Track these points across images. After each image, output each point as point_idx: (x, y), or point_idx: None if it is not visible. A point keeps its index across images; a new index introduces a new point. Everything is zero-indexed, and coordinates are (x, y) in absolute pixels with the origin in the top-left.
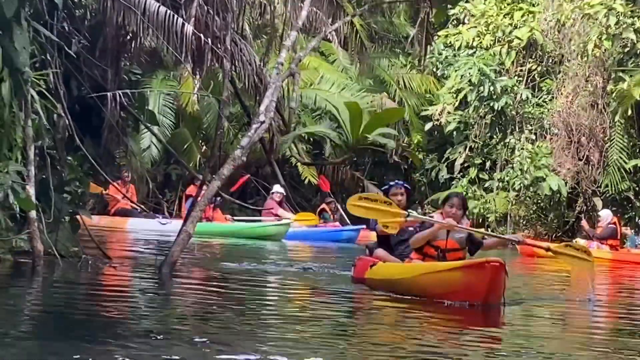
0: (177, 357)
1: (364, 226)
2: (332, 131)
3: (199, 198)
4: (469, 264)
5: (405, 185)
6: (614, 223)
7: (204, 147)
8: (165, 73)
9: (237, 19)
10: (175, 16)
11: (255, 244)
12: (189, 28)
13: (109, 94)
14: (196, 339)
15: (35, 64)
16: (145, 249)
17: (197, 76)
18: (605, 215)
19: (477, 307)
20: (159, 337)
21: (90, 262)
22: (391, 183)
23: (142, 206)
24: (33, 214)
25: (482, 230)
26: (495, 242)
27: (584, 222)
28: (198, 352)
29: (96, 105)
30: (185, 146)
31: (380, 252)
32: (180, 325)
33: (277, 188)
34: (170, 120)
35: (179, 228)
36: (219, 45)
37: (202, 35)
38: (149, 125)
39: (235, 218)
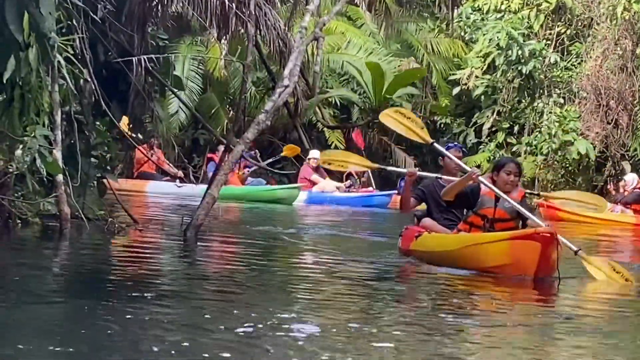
0: (202, 318)
1: (396, 191)
2: (354, 94)
3: (223, 162)
4: (518, 235)
5: (463, 148)
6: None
7: (231, 112)
8: (192, 38)
9: None
10: None
11: (276, 208)
12: None
13: (134, 59)
14: (220, 300)
15: (62, 29)
16: (170, 212)
17: (223, 41)
18: (631, 180)
19: (528, 281)
20: (183, 298)
21: (117, 225)
22: (450, 145)
23: (171, 171)
24: (60, 177)
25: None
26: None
27: (610, 187)
28: (223, 312)
29: (122, 71)
30: (212, 111)
31: (427, 221)
32: (205, 287)
33: (313, 153)
34: (198, 85)
35: (194, 191)
36: (243, 10)
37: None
38: (175, 90)
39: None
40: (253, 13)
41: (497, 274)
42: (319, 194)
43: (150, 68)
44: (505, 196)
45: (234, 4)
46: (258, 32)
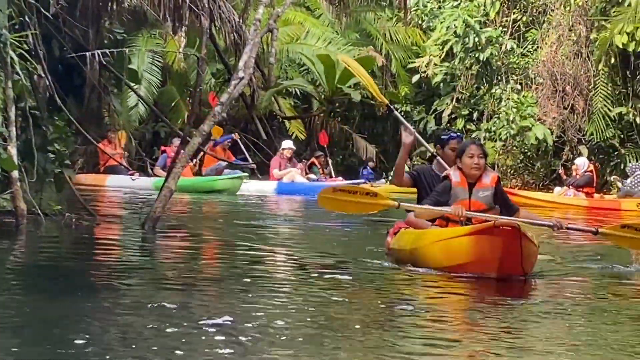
0: (158, 306)
1: (363, 180)
2: (308, 84)
3: (180, 154)
4: (477, 229)
5: (461, 137)
6: (591, 171)
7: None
8: (150, 31)
9: None
10: None
11: (236, 198)
12: None
13: (87, 53)
14: (179, 291)
15: (15, 26)
16: (128, 205)
17: (181, 34)
18: (582, 163)
19: (493, 281)
20: (141, 291)
21: (74, 219)
22: (452, 135)
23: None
24: (15, 174)
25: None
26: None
27: (561, 171)
28: (181, 305)
29: (78, 66)
30: (172, 103)
31: (410, 215)
32: (163, 279)
33: (286, 144)
34: (157, 79)
35: (146, 184)
36: (197, 3)
37: None
38: (131, 83)
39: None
40: (207, 6)
41: (461, 273)
42: (289, 184)
43: (105, 62)
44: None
45: None
46: (213, 24)
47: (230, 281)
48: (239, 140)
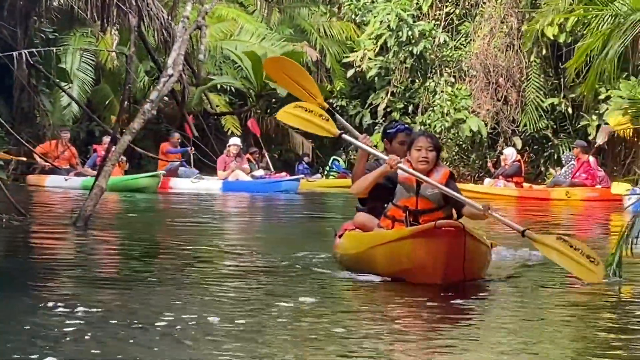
0: (89, 302)
1: (302, 176)
2: (237, 81)
3: (110, 152)
4: (417, 231)
5: (411, 129)
6: (518, 161)
7: (125, 102)
8: (82, 30)
9: None
10: None
11: (156, 196)
12: None
13: (14, 53)
14: (109, 286)
15: None
16: (62, 204)
17: (114, 32)
18: (510, 154)
19: (436, 288)
20: (71, 287)
21: (4, 219)
22: (400, 127)
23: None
24: None
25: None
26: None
27: (489, 163)
28: (111, 299)
29: (7, 66)
30: (107, 102)
31: (361, 216)
32: (93, 276)
33: (232, 140)
34: (91, 77)
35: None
36: (124, 1)
37: None
38: (59, 82)
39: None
40: (134, 4)
41: (405, 280)
42: (234, 182)
43: (34, 62)
44: (428, 179)
45: None
46: (142, 22)
47: (163, 278)
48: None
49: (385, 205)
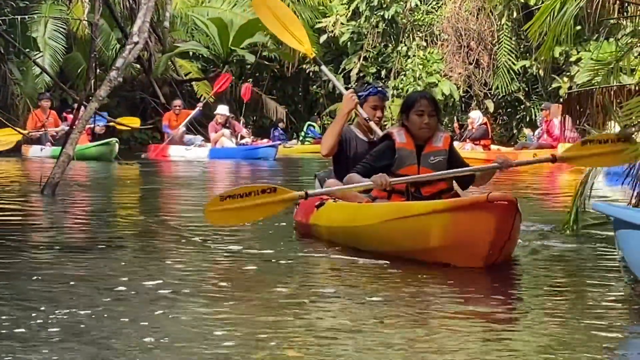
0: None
1: (280, 142)
2: (202, 47)
3: (77, 120)
4: (460, 204)
5: (384, 92)
6: (485, 124)
7: (98, 70)
8: None
9: None
10: None
11: (111, 164)
12: None
13: None
14: (75, 252)
15: None
16: (34, 174)
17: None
18: (476, 117)
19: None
20: (39, 252)
21: None
22: (372, 89)
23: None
24: None
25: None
26: (483, 175)
27: (455, 125)
28: (79, 265)
29: None
30: (79, 70)
31: (331, 182)
32: (57, 242)
33: (220, 109)
34: (62, 45)
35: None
36: None
37: None
38: (24, 50)
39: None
40: None
41: (429, 260)
42: (220, 149)
43: (1, 31)
44: (432, 175)
45: None
46: None
47: (130, 244)
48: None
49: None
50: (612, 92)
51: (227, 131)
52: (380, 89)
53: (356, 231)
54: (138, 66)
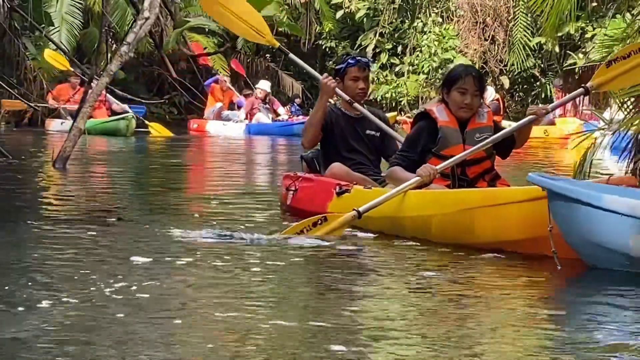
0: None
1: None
2: (211, 22)
3: (88, 94)
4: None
5: (369, 63)
6: (497, 99)
7: (114, 45)
8: None
9: None
10: None
11: (129, 139)
12: None
13: None
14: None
15: None
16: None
17: None
18: (489, 93)
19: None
20: (47, 224)
21: None
22: (350, 60)
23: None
24: None
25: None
26: (522, 131)
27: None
28: (91, 235)
29: None
30: (95, 45)
31: (337, 168)
32: (69, 213)
33: (261, 84)
34: (79, 21)
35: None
36: None
37: None
38: (37, 25)
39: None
40: None
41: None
42: (256, 125)
43: (14, 6)
44: (472, 149)
45: None
46: None
47: (142, 217)
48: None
49: (370, 159)
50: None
51: (264, 108)
52: (359, 58)
53: (424, 221)
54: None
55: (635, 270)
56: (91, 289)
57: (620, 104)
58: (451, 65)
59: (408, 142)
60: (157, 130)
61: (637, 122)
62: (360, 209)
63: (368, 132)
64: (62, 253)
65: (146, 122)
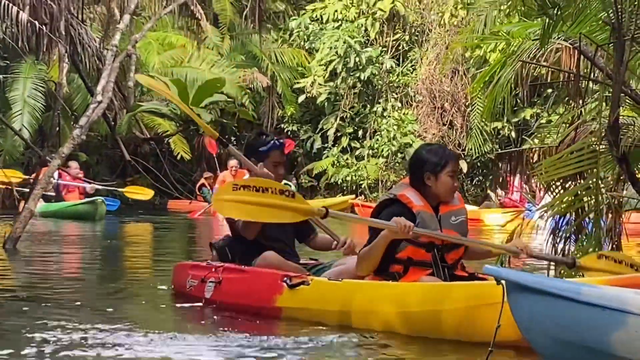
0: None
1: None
2: (163, 106)
3: (40, 177)
4: (621, 282)
5: (281, 141)
6: None
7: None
8: (33, 58)
9: (74, 4)
10: (10, 4)
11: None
12: (24, 15)
13: None
14: (29, 307)
15: None
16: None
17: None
18: None
19: None
20: None
21: None
22: (276, 142)
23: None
24: None
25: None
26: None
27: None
28: (32, 318)
29: None
30: (57, 128)
31: (273, 257)
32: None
33: (232, 162)
34: (42, 104)
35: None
36: (54, 31)
37: (36, 21)
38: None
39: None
40: (63, 33)
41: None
42: None
43: None
44: (463, 239)
45: (44, 27)
46: (75, 51)
47: (83, 299)
48: None
49: (287, 244)
50: (538, 153)
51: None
52: (282, 142)
53: (414, 317)
54: None
55: None
56: None
57: (546, 187)
58: (411, 150)
59: (375, 230)
60: (134, 192)
61: (557, 204)
62: (331, 211)
63: None
64: None
65: (118, 190)
